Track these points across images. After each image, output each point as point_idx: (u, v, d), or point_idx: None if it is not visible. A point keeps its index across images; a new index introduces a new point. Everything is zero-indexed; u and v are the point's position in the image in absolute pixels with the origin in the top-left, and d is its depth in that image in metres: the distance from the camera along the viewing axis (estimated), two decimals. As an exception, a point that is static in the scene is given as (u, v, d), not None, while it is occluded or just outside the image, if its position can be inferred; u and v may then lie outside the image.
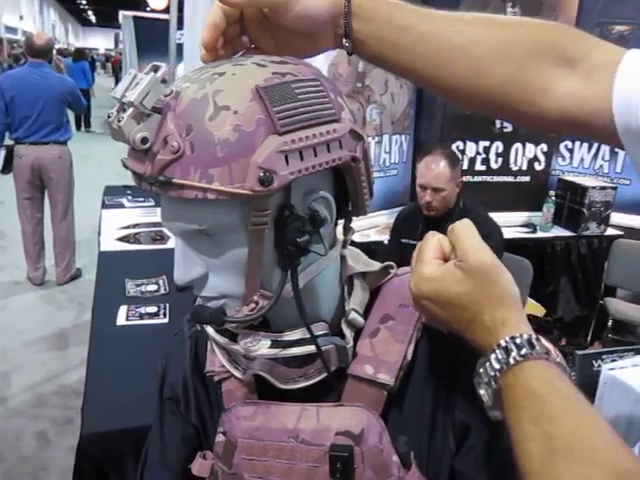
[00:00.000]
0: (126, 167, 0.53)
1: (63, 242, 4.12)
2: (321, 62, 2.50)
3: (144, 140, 0.48)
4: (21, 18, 25.26)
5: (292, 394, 0.62)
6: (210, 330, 0.63)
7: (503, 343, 0.48)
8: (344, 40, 0.56)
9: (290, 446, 0.61)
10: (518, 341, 0.48)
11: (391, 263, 0.66)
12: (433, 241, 0.54)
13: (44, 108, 3.72)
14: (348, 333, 0.61)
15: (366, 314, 0.63)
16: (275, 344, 0.59)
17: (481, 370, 0.50)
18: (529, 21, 0.57)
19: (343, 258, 0.64)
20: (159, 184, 0.49)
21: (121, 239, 2.74)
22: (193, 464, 0.70)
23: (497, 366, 0.48)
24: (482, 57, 0.54)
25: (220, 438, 0.66)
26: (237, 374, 0.64)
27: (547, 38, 0.55)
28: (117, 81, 16.49)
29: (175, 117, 0.49)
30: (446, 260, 0.53)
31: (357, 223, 0.63)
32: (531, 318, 3.05)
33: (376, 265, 0.66)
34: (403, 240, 2.44)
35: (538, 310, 3.14)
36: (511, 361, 0.47)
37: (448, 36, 0.55)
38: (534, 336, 0.48)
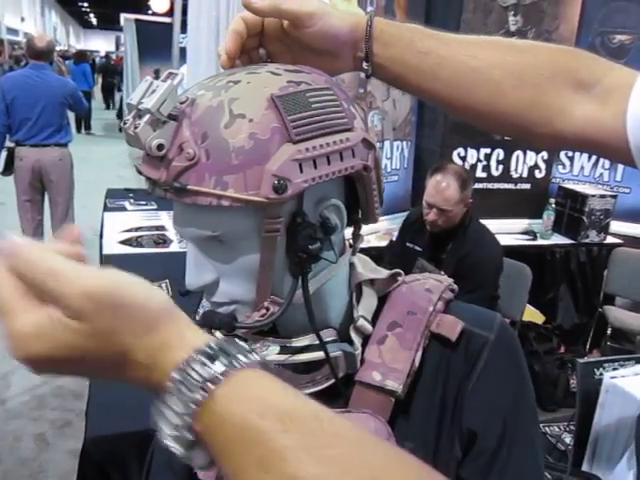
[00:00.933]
0: (140, 173, 0.54)
1: None
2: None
3: (160, 147, 0.49)
4: (22, 20, 25.31)
5: (299, 399, 0.62)
6: (219, 335, 0.63)
7: (177, 376, 0.35)
8: (364, 63, 0.58)
9: (297, 451, 0.62)
10: (195, 364, 0.35)
11: (399, 271, 0.67)
12: (9, 282, 0.36)
13: (44, 110, 3.72)
14: (356, 340, 0.62)
15: (374, 321, 0.64)
16: (284, 350, 0.59)
17: (161, 422, 0.36)
18: (546, 46, 0.58)
19: (352, 265, 0.65)
20: (174, 190, 0.49)
21: (123, 242, 2.74)
22: (199, 468, 0.70)
23: (181, 409, 0.35)
24: (499, 80, 0.56)
25: (227, 442, 0.66)
26: (245, 379, 0.64)
27: (562, 63, 0.56)
28: (119, 83, 16.51)
29: (191, 124, 0.49)
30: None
31: (357, 229, 0.64)
32: (530, 325, 3.06)
33: (384, 272, 0.67)
34: (408, 244, 2.44)
35: (537, 317, 3.15)
36: (198, 397, 0.34)
37: (466, 60, 0.56)
38: (211, 341, 0.37)
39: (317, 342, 0.58)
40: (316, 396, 0.60)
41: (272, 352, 0.59)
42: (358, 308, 0.63)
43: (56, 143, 3.84)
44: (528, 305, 2.77)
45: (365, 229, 0.64)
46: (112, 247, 2.68)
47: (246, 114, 0.49)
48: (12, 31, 22.58)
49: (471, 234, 2.31)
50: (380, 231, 3.02)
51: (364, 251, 0.65)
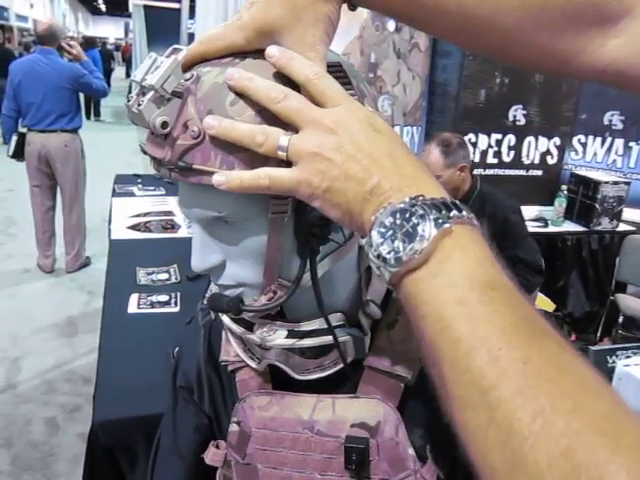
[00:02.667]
0: (145, 152, 0.52)
1: (72, 230, 4.14)
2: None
3: (164, 124, 0.47)
4: (31, 6, 25.30)
5: (306, 385, 0.61)
6: (226, 319, 0.62)
7: (436, 195, 0.38)
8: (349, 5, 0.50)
9: (305, 437, 0.61)
10: (448, 200, 0.38)
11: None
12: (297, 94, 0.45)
13: (47, 95, 3.71)
14: (365, 324, 0.60)
15: (384, 305, 0.63)
16: (292, 334, 0.58)
17: (397, 218, 0.37)
18: None
19: (361, 249, 0.64)
20: (179, 170, 0.48)
21: (132, 227, 2.75)
22: (206, 453, 0.69)
23: (436, 214, 0.36)
24: (511, 28, 0.47)
25: (234, 428, 0.65)
26: (252, 364, 0.63)
27: None
28: (128, 70, 16.56)
29: (196, 102, 0.48)
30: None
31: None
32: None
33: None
34: None
35: (548, 305, 3.13)
36: (444, 220, 0.36)
37: (471, 6, 0.46)
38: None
39: (325, 326, 0.56)
40: (324, 381, 0.60)
41: (280, 336, 0.58)
42: (367, 292, 0.62)
43: (62, 129, 3.83)
44: (539, 293, 2.75)
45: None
46: (121, 232, 2.68)
47: None
48: (21, 18, 22.59)
49: (487, 195, 2.36)
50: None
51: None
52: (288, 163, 0.44)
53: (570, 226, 3.31)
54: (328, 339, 0.57)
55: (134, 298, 1.97)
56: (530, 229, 3.19)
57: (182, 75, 0.48)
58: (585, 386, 0.31)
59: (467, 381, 0.32)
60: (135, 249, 2.48)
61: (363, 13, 2.99)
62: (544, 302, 3.06)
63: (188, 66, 0.50)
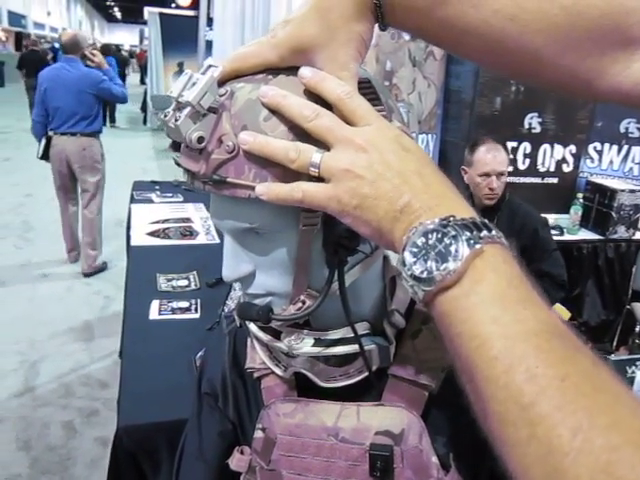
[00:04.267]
0: (178, 165, 0.54)
1: (87, 231, 4.22)
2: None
3: (200, 139, 0.49)
4: (49, 14, 25.69)
5: (331, 393, 0.62)
6: (253, 327, 0.63)
7: (466, 215, 0.39)
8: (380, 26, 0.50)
9: (329, 444, 0.62)
10: (478, 221, 0.39)
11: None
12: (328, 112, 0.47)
13: (69, 99, 3.88)
14: (390, 333, 0.61)
15: (408, 315, 0.64)
16: (318, 342, 0.59)
17: (430, 238, 0.38)
18: None
19: (386, 258, 0.65)
20: (213, 183, 0.49)
21: (151, 234, 2.77)
22: (231, 459, 0.70)
23: (468, 234, 0.37)
24: (538, 49, 0.46)
25: (259, 434, 0.67)
26: (278, 371, 0.64)
27: (614, 19, 0.45)
28: (142, 76, 16.71)
29: (230, 117, 0.49)
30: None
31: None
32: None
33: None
34: None
35: (563, 314, 3.11)
36: (475, 240, 0.37)
37: (500, 25, 0.45)
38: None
39: (351, 335, 0.57)
40: (348, 389, 0.61)
41: (307, 344, 0.59)
42: (392, 301, 0.63)
43: (81, 132, 3.99)
44: (554, 301, 2.73)
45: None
46: (140, 239, 2.71)
47: None
48: (39, 25, 22.94)
49: (516, 205, 2.37)
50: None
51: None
52: (320, 179, 0.46)
53: (586, 234, 3.28)
54: (354, 348, 0.58)
55: (155, 304, 1.99)
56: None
57: (217, 91, 0.50)
58: (620, 402, 0.32)
59: (506, 398, 0.33)
60: (155, 255, 2.50)
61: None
62: (560, 311, 3.04)
63: (222, 82, 0.51)
